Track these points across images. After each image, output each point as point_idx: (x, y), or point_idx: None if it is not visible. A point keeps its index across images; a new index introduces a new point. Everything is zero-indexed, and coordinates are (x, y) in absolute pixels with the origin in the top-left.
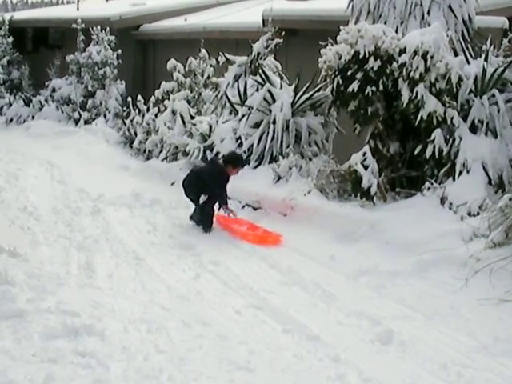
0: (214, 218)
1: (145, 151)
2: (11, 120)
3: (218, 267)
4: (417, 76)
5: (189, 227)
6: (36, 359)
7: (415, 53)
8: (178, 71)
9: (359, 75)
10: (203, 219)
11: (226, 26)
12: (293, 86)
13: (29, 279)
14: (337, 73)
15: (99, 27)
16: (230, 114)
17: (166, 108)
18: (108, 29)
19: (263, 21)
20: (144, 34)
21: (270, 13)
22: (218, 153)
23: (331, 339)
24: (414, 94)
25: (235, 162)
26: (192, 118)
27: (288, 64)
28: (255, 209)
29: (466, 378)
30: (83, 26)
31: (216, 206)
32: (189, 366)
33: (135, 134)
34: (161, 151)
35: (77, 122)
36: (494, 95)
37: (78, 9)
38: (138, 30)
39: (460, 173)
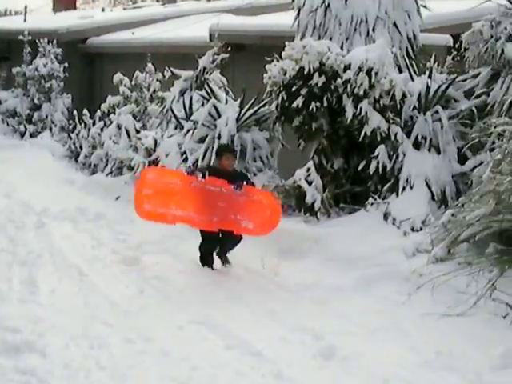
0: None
1: (90, 165)
2: None
3: (162, 282)
4: (361, 92)
5: (133, 242)
6: None
7: (360, 69)
8: (124, 85)
9: (304, 91)
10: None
11: (173, 40)
12: (238, 101)
13: None
14: (281, 88)
15: (46, 39)
16: (176, 128)
17: (111, 122)
18: (55, 41)
19: (210, 35)
20: (91, 47)
21: (217, 27)
22: None
23: (274, 355)
24: (358, 110)
25: (216, 153)
26: (137, 132)
27: (235, 79)
28: None
29: None
30: (30, 37)
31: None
32: (130, 382)
33: (81, 147)
34: (106, 165)
35: (22, 135)
36: (437, 112)
37: (25, 20)
38: (86, 43)
39: (403, 188)
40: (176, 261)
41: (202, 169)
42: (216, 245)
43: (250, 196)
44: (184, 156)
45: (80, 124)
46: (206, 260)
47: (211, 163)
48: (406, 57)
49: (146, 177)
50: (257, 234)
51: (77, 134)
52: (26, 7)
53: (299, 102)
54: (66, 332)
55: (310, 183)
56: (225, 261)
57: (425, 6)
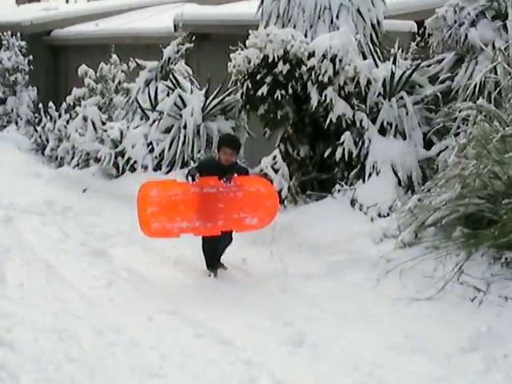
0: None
1: (57, 158)
2: None
3: (130, 274)
4: (326, 79)
5: (101, 234)
6: None
7: (324, 56)
8: (89, 77)
9: (268, 79)
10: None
11: (138, 30)
12: (203, 90)
13: None
14: (246, 77)
15: (10, 32)
16: (141, 119)
17: (77, 114)
18: (19, 34)
19: (175, 25)
20: (56, 39)
21: (182, 17)
22: None
23: (243, 343)
24: (323, 98)
25: (218, 144)
26: (103, 123)
27: (200, 69)
28: None
29: (377, 377)
30: None
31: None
32: (101, 374)
33: (47, 140)
34: (72, 158)
35: None
36: (402, 98)
37: None
38: (50, 35)
39: (370, 175)
40: (144, 252)
41: (192, 170)
42: (219, 242)
43: (247, 188)
44: (150, 147)
45: (46, 117)
46: (213, 265)
47: (214, 155)
48: (370, 43)
49: (149, 195)
50: (258, 228)
51: (43, 127)
52: None
53: (264, 90)
54: (35, 325)
55: (276, 171)
56: (221, 266)
57: None
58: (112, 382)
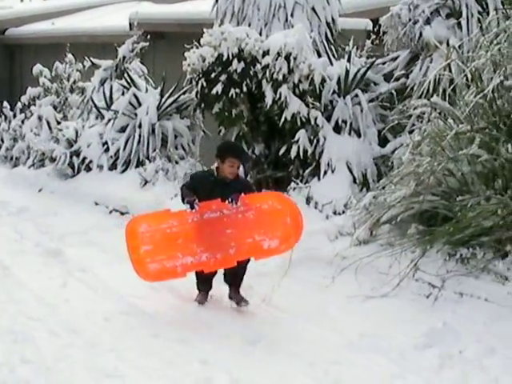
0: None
1: (12, 158)
2: None
3: (86, 274)
4: (280, 77)
5: (56, 235)
6: None
7: (278, 54)
8: (44, 76)
9: (223, 77)
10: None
11: (93, 29)
12: (158, 89)
13: None
14: (201, 75)
15: None
16: (97, 118)
17: (32, 114)
18: None
19: (130, 24)
20: (10, 38)
21: (137, 16)
22: None
23: (200, 342)
24: (278, 96)
25: (219, 153)
26: (58, 123)
27: (155, 67)
28: (122, 213)
29: (333, 374)
30: None
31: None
32: (56, 376)
33: (2, 140)
34: (28, 158)
35: None
36: (357, 95)
37: None
38: (4, 34)
39: (325, 172)
40: (100, 252)
41: (187, 193)
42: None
43: (259, 206)
44: (106, 146)
45: (0, 117)
46: (204, 286)
47: (213, 167)
48: (324, 41)
49: (137, 231)
50: (282, 251)
51: None
52: None
53: (219, 88)
54: None
55: None
56: (241, 300)
57: None
58: (68, 383)
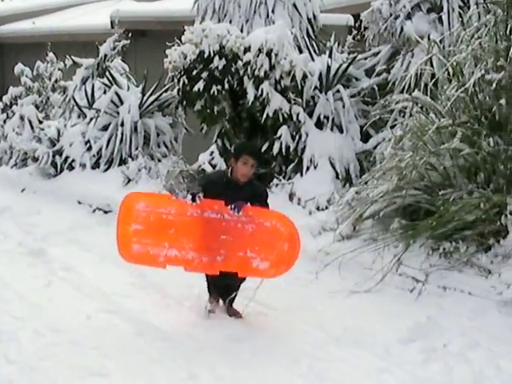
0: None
1: None
2: None
3: (70, 273)
4: (262, 74)
5: (40, 234)
6: None
7: (260, 51)
8: (26, 76)
9: (204, 75)
10: None
11: (74, 28)
12: (140, 87)
13: None
14: (182, 73)
15: None
16: (79, 117)
17: (14, 113)
18: None
19: (111, 22)
20: None
21: (118, 14)
22: None
23: (184, 340)
24: (260, 92)
25: (235, 151)
26: (40, 122)
27: (137, 65)
28: (106, 212)
29: (317, 370)
30: None
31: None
32: (40, 375)
33: None
34: (10, 158)
35: None
36: (338, 91)
37: None
38: None
39: (307, 168)
40: (83, 251)
41: (195, 186)
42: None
43: (261, 221)
44: (88, 145)
45: None
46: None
47: (228, 167)
48: (306, 37)
49: (134, 207)
50: (268, 276)
51: None
52: None
53: (200, 85)
54: None
55: (213, 167)
56: (234, 314)
57: None
58: (52, 382)
